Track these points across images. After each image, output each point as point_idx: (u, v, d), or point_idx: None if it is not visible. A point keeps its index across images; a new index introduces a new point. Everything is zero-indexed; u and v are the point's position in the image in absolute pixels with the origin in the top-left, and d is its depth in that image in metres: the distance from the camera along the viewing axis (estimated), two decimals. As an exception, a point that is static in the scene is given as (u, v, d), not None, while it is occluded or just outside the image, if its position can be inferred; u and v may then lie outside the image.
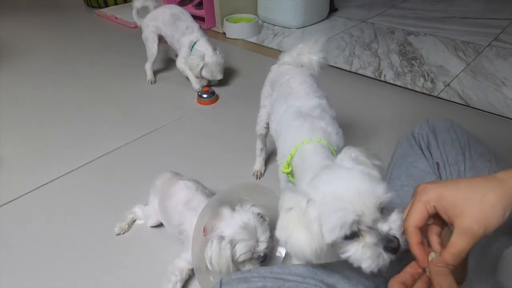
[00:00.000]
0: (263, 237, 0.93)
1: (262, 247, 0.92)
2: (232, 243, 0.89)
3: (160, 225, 1.20)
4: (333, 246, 0.59)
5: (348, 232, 0.56)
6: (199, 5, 2.85)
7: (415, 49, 2.42)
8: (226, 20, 2.75)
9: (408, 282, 0.52)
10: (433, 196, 0.53)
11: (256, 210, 0.97)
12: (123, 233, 1.20)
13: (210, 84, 2.01)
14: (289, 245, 0.60)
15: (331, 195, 0.58)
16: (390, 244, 0.56)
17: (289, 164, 0.89)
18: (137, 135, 1.70)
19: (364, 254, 0.57)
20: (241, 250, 0.90)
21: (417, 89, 1.96)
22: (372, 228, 0.57)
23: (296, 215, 0.59)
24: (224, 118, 1.84)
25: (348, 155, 0.67)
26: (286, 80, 1.09)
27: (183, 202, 1.06)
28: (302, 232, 0.58)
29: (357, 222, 0.56)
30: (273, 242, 0.98)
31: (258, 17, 2.90)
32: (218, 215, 0.96)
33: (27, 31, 3.00)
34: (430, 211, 0.54)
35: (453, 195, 0.52)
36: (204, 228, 0.96)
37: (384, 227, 0.58)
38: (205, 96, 1.92)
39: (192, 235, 0.98)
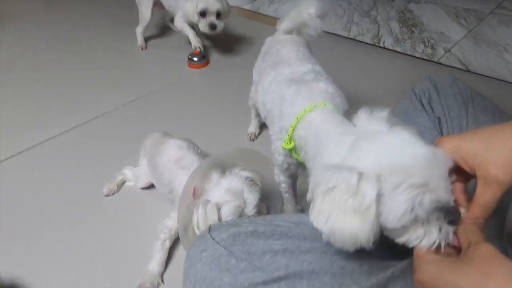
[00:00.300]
0: (251, 198, 0.88)
1: (250, 207, 0.88)
2: (218, 206, 0.86)
3: (149, 186, 1.17)
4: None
5: (424, 216, 0.45)
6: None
7: (416, 16, 2.35)
8: (221, -14, 2.65)
9: None
10: (450, 148, 0.50)
11: (245, 173, 0.93)
12: (112, 194, 1.17)
13: (211, 35, 1.81)
14: (334, 235, 0.47)
15: (391, 166, 0.45)
16: (455, 216, 0.47)
17: (290, 139, 0.75)
18: (128, 99, 1.65)
19: (429, 236, 0.46)
20: (226, 212, 0.86)
21: (417, 55, 1.91)
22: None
23: (342, 195, 0.46)
24: (216, 81, 1.79)
25: (378, 116, 0.56)
26: (276, 50, 0.98)
27: (174, 160, 1.02)
28: (353, 216, 0.46)
29: (436, 201, 0.45)
30: (264, 209, 0.94)
31: (253, -17, 2.80)
32: (208, 179, 0.92)
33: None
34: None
35: (471, 145, 0.49)
36: (194, 190, 0.93)
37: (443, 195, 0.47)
38: (195, 59, 1.87)
39: (182, 195, 0.95)
